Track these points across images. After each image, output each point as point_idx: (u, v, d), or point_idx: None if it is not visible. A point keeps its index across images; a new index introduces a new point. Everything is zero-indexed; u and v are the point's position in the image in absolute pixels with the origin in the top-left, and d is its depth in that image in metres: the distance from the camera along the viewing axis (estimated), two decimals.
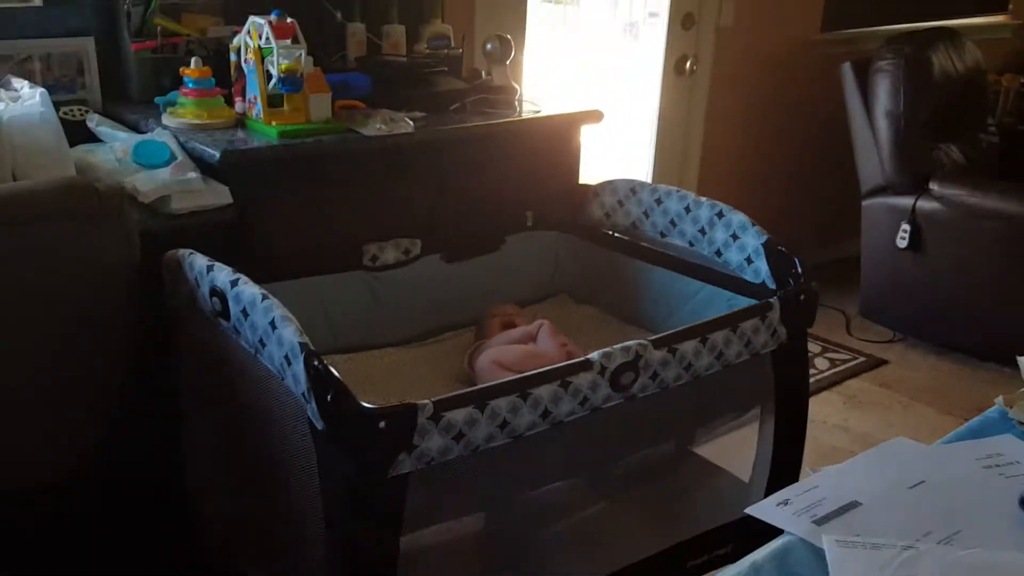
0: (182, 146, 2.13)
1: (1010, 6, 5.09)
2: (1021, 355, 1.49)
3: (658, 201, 2.37)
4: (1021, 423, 1.37)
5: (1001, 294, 3.47)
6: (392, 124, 2.26)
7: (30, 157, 1.92)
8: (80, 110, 2.35)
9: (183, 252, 1.81)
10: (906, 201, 3.63)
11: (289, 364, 1.50)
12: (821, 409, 3.27)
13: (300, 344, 1.48)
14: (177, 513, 2.03)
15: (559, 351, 2.16)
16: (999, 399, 1.42)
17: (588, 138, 2.67)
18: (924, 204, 3.58)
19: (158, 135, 2.16)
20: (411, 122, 2.30)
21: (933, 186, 3.57)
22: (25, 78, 2.20)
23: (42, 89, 2.01)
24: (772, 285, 2.12)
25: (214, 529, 2.00)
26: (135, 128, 2.30)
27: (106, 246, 1.78)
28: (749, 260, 2.17)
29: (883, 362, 3.67)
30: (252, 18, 2.20)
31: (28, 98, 1.98)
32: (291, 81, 2.17)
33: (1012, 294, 3.44)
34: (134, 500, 1.95)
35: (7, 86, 2.10)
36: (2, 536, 1.82)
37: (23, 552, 1.87)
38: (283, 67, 2.16)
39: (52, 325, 1.75)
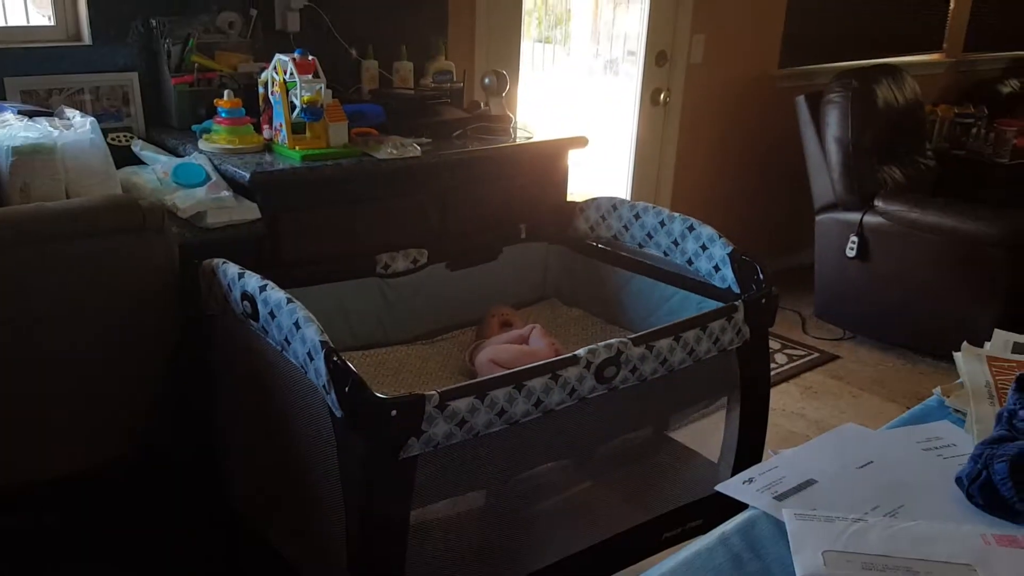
0: (216, 168, 2.13)
1: (944, 45, 5.11)
2: (956, 351, 1.48)
3: (636, 216, 2.37)
4: (957, 410, 1.37)
5: (937, 297, 3.48)
6: (402, 149, 2.26)
7: (82, 177, 1.91)
8: (126, 136, 2.35)
9: (217, 261, 1.80)
10: (854, 216, 3.63)
11: (311, 359, 1.50)
12: (781, 399, 3.26)
13: (321, 342, 1.48)
14: (208, 490, 2.02)
15: (548, 349, 2.15)
16: (937, 389, 1.42)
17: (574, 161, 2.67)
18: (870, 219, 3.59)
19: (195, 158, 2.16)
20: (418, 147, 2.30)
21: (878, 203, 3.57)
22: (77, 108, 2.20)
23: (92, 118, 2.01)
24: (737, 290, 2.12)
25: (242, 505, 1.99)
26: (174, 152, 2.30)
27: (149, 256, 1.77)
28: (717, 268, 2.17)
29: (835, 357, 3.67)
30: (278, 56, 2.20)
31: (80, 126, 1.98)
32: (312, 111, 2.17)
33: (947, 297, 3.45)
34: (171, 479, 1.95)
35: (61, 115, 2.09)
36: (62, 510, 1.82)
37: (78, 522, 1.87)
38: (305, 99, 2.16)
39: (102, 325, 1.75)
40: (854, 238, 3.61)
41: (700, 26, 3.72)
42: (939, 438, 1.29)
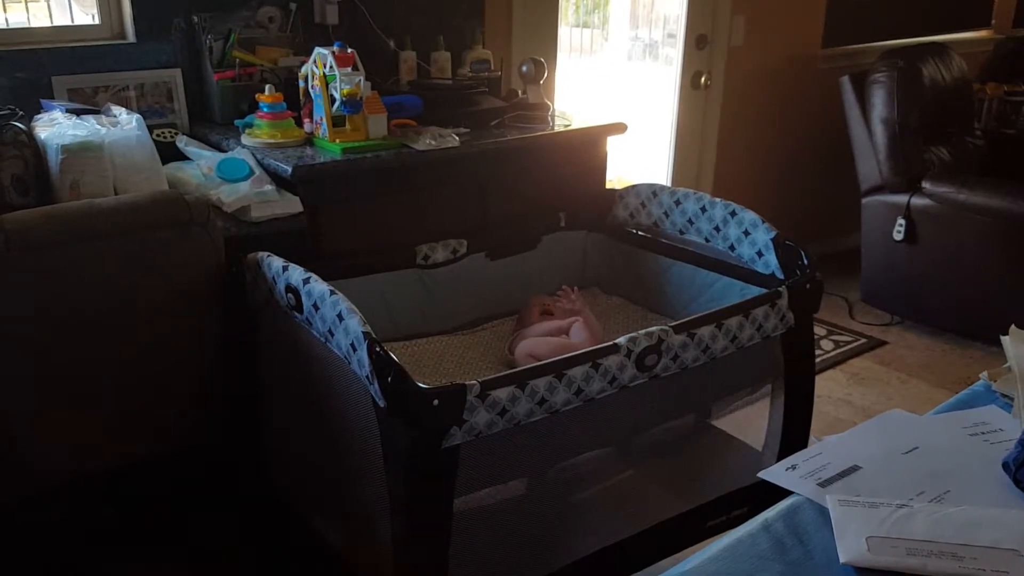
0: (259, 162, 2.17)
1: (992, 21, 5.00)
2: (1004, 335, 1.47)
3: (677, 202, 2.37)
4: (1004, 395, 1.36)
5: (986, 281, 3.42)
6: (440, 139, 2.28)
7: (129, 174, 1.96)
8: (170, 132, 2.39)
9: (262, 254, 1.83)
10: (901, 198, 3.58)
11: (354, 350, 1.53)
12: (827, 385, 3.24)
13: (363, 333, 1.50)
14: (253, 478, 2.07)
15: (590, 342, 2.14)
16: (984, 374, 1.42)
17: (613, 147, 2.67)
18: (917, 201, 3.53)
19: (238, 153, 2.20)
20: (457, 137, 2.32)
21: (925, 185, 3.52)
22: (122, 105, 2.25)
23: (138, 115, 2.05)
24: (781, 275, 2.11)
25: (287, 493, 2.03)
26: (218, 147, 2.34)
27: (195, 250, 1.81)
28: (760, 254, 2.16)
29: (882, 343, 3.63)
30: (317, 49, 2.23)
31: (126, 123, 2.02)
32: (352, 104, 2.20)
33: (996, 280, 3.39)
34: (217, 469, 2.00)
35: (107, 112, 2.14)
36: (113, 499, 1.88)
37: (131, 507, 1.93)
38: (345, 92, 2.19)
39: (150, 318, 1.79)
40: (901, 221, 3.56)
41: (740, 7, 3.68)
42: (986, 423, 1.29)
